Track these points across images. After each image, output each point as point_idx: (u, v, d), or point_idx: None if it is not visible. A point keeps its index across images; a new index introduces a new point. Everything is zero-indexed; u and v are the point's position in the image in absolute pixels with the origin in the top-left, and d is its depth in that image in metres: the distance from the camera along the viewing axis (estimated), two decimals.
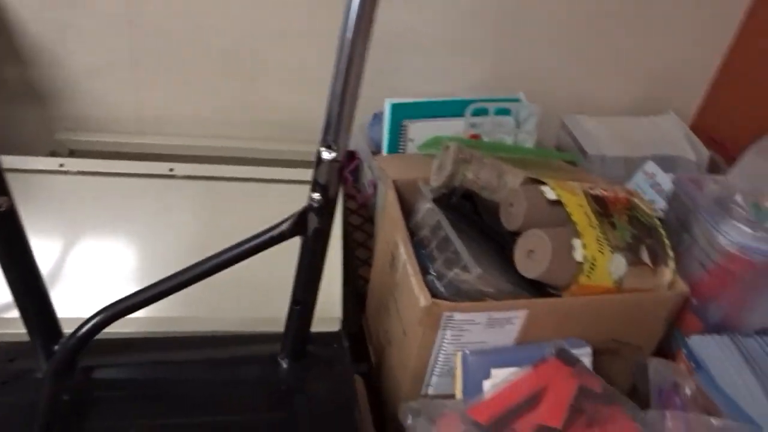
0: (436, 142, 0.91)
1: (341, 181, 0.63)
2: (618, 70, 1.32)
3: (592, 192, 0.79)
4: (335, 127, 0.59)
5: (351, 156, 1.23)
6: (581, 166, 1.18)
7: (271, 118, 1.26)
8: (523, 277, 0.73)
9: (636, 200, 0.81)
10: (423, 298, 0.69)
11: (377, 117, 1.15)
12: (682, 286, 0.76)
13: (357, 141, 1.21)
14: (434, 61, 1.24)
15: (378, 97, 1.16)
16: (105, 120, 1.21)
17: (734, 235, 0.72)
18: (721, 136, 1.29)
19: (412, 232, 0.82)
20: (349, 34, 0.54)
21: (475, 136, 1.01)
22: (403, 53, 1.22)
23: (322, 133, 0.60)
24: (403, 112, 1.01)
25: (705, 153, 1.20)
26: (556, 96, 1.31)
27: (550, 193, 0.76)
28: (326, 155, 0.60)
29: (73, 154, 1.18)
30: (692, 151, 1.21)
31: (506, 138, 1.04)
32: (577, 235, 0.71)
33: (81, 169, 0.99)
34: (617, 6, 1.23)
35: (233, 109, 1.24)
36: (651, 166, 1.09)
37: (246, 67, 1.20)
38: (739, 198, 0.75)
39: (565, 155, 1.05)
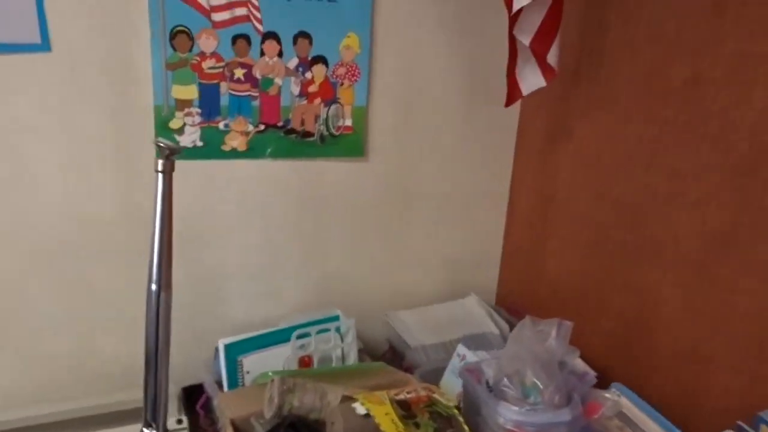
0: (264, 377, 1.03)
1: None
2: (422, 265, 1.55)
3: (397, 398, 0.93)
4: (151, 407, 0.70)
5: (200, 390, 1.30)
6: (408, 357, 1.35)
7: (100, 372, 1.30)
8: None
9: (436, 395, 0.97)
10: None
11: (218, 351, 1.25)
12: None
13: (203, 375, 1.29)
14: (259, 289, 1.38)
15: (216, 330, 1.27)
16: None
17: (508, 414, 0.89)
18: (517, 306, 1.55)
19: None
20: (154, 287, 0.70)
21: (305, 358, 1.15)
22: (229, 288, 1.36)
23: (143, 413, 0.70)
24: (237, 350, 1.13)
25: (505, 325, 1.44)
26: (377, 297, 1.51)
27: (360, 409, 0.89)
28: None
29: None
30: (495, 325, 1.43)
31: (332, 352, 1.19)
32: None
33: None
34: (410, 212, 1.49)
35: (59, 370, 1.27)
36: (461, 349, 1.28)
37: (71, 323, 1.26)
38: (507, 381, 0.93)
39: (373, 365, 1.21)
